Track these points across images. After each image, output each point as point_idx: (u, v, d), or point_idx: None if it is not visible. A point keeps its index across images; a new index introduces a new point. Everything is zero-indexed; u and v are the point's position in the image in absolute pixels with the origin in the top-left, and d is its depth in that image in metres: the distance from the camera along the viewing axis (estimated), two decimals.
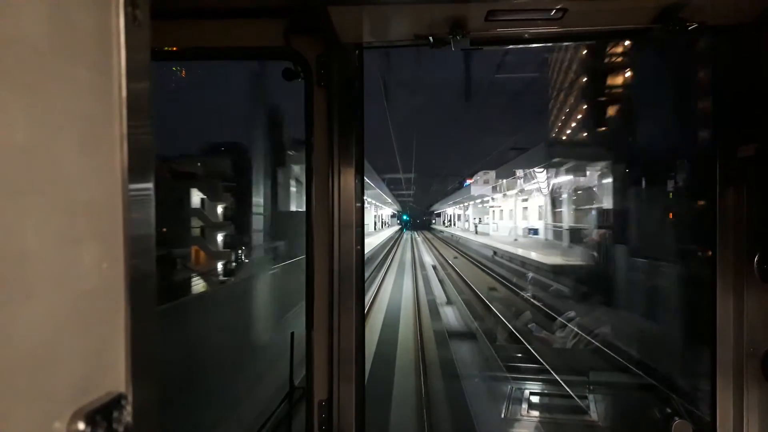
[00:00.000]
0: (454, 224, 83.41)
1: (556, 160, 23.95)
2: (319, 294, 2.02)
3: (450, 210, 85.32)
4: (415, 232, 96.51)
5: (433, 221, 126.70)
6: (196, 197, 21.66)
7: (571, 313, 10.61)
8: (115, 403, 0.61)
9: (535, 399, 7.13)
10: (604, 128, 19.81)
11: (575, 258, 17.51)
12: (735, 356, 1.90)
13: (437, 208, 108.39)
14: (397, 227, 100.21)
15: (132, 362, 0.65)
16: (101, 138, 0.65)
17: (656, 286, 9.20)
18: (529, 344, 9.54)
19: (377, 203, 56.71)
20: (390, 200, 67.77)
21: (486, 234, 45.79)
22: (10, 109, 0.52)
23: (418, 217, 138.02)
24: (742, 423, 1.87)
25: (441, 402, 7.50)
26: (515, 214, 40.30)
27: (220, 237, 22.21)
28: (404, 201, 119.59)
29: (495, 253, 27.76)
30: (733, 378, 1.90)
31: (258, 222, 15.24)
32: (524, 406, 6.91)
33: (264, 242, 15.40)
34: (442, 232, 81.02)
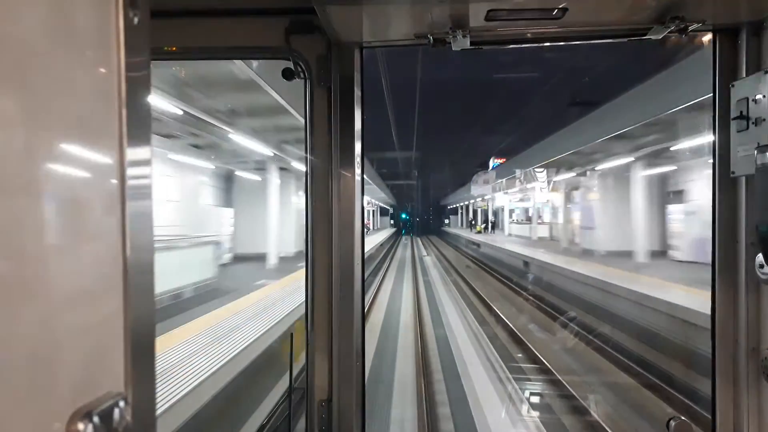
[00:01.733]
0: (498, 226, 45.01)
1: None
2: (319, 294, 2.02)
3: (500, 200, 40.08)
4: (420, 240, 64.95)
5: (446, 221, 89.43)
6: None
7: None
8: (115, 403, 0.61)
9: None
10: None
11: None
12: (734, 356, 1.90)
13: (456, 200, 70.22)
14: (389, 232, 64.35)
15: (132, 362, 0.65)
16: (101, 138, 0.65)
17: None
18: None
19: None
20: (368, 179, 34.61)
21: None
22: (10, 109, 0.52)
23: (423, 215, 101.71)
24: (741, 422, 1.87)
25: None
26: None
27: None
28: (403, 193, 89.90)
29: None
30: (732, 377, 1.90)
31: None
32: None
33: None
34: (476, 246, 36.39)
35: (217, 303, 10.85)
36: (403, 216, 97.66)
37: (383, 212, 78.77)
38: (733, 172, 1.85)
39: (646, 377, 8.83)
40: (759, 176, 1.70)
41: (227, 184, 23.31)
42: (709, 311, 1.96)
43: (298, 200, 22.32)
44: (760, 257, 1.78)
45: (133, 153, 0.67)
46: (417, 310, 15.77)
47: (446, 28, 1.82)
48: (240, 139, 14.15)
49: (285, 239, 19.70)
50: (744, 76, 1.84)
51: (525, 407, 7.72)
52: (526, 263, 20.81)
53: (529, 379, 8.99)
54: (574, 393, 7.89)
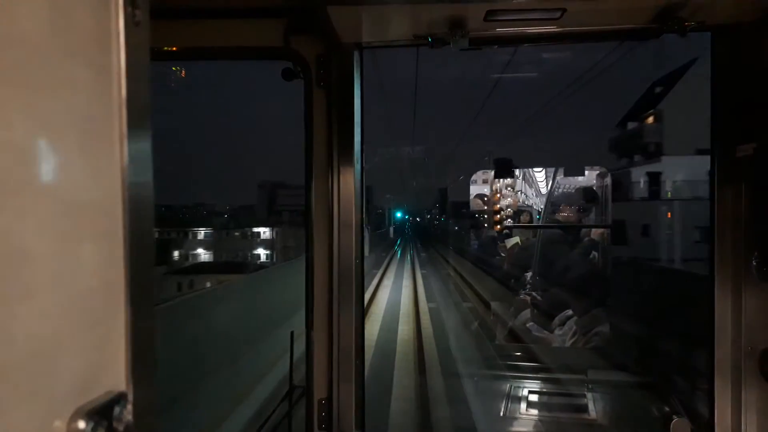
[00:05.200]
0: None
1: None
2: (319, 293, 2.03)
3: None
4: None
5: None
6: None
7: None
8: (116, 401, 0.61)
9: None
10: None
11: None
12: (733, 355, 1.91)
13: None
14: None
15: (132, 361, 0.65)
16: (101, 138, 0.65)
17: None
18: None
19: None
20: None
21: None
22: (9, 109, 0.52)
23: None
24: (740, 421, 1.88)
25: None
26: None
27: None
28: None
29: None
30: (731, 376, 1.91)
31: None
32: None
33: None
34: None
35: None
36: (399, 214, 54.70)
37: None
38: (732, 170, 1.86)
39: None
40: (758, 175, 1.71)
41: None
42: None
43: None
44: (759, 256, 1.78)
45: (133, 153, 0.67)
46: None
47: (445, 29, 1.82)
48: None
49: None
50: (742, 75, 1.84)
51: None
52: None
53: None
54: None
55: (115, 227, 0.65)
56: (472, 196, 6.57)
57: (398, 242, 47.23)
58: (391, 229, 50.20)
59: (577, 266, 4.74)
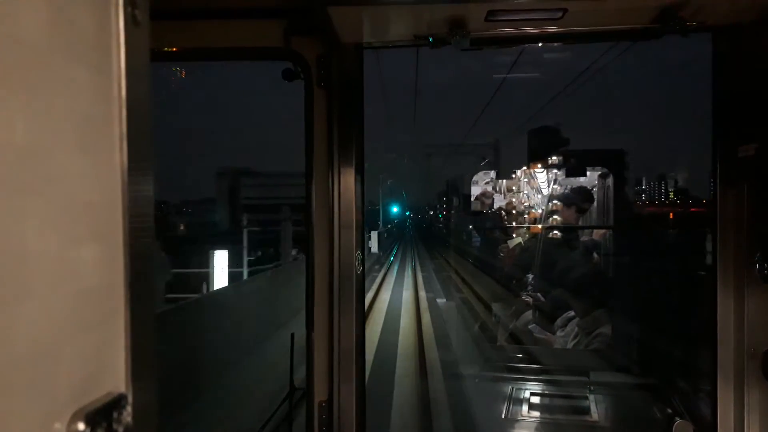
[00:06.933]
0: None
1: None
2: (319, 294, 2.02)
3: None
4: None
5: None
6: None
7: None
8: (116, 403, 0.61)
9: None
10: None
11: None
12: (736, 356, 1.90)
13: None
14: None
15: (132, 363, 0.65)
16: (101, 138, 0.65)
17: None
18: None
19: None
20: None
21: None
22: (9, 109, 0.52)
23: None
24: (742, 423, 1.87)
25: None
26: None
27: None
28: None
29: None
30: (733, 378, 1.90)
31: None
32: None
33: None
34: None
35: None
36: (395, 209, 46.16)
37: None
38: (734, 171, 1.85)
39: None
40: (761, 175, 1.70)
41: None
42: None
43: None
44: (761, 257, 1.78)
45: (133, 153, 0.67)
46: None
47: (446, 29, 1.82)
48: None
49: None
50: (743, 75, 1.84)
51: None
52: None
53: None
54: None
55: (115, 228, 0.65)
56: (473, 198, 6.52)
57: (394, 252, 32.36)
58: (374, 240, 31.51)
59: (579, 267, 4.78)
